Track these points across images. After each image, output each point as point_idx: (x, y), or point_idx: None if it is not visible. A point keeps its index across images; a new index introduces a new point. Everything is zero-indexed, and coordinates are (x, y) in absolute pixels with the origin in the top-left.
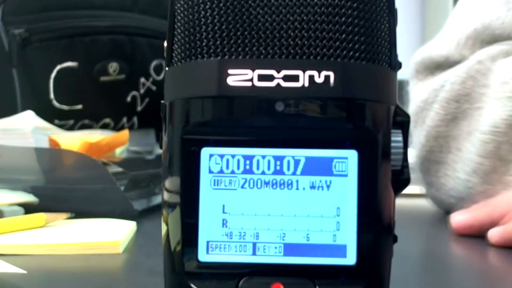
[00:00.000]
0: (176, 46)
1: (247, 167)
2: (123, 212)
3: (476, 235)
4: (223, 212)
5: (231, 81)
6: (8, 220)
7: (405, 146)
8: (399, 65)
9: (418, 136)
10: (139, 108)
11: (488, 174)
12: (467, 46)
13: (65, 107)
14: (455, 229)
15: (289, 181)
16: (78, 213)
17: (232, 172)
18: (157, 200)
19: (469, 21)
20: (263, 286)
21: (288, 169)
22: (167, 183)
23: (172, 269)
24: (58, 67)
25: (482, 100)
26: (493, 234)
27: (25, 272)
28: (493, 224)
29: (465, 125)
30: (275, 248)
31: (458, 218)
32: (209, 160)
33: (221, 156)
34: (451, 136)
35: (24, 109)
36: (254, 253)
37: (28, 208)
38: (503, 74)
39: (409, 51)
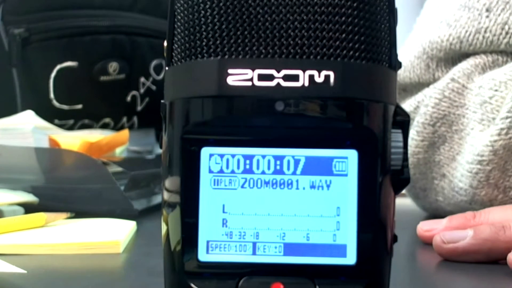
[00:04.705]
0: (176, 45)
1: (247, 166)
2: (123, 212)
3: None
4: (223, 211)
5: (231, 80)
6: (8, 220)
7: (405, 145)
8: (399, 65)
9: None
10: (139, 108)
11: (486, 202)
12: (439, 67)
13: (65, 106)
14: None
15: (289, 181)
16: (78, 213)
17: (232, 171)
18: (157, 200)
19: (434, 36)
20: (263, 285)
21: (288, 168)
22: (167, 182)
23: (172, 269)
24: (58, 66)
25: (461, 122)
26: None
27: (25, 272)
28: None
29: (446, 149)
30: (275, 247)
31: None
32: (209, 159)
33: (221, 155)
34: (433, 162)
35: (24, 109)
36: (254, 253)
37: (28, 208)
38: (481, 92)
39: None
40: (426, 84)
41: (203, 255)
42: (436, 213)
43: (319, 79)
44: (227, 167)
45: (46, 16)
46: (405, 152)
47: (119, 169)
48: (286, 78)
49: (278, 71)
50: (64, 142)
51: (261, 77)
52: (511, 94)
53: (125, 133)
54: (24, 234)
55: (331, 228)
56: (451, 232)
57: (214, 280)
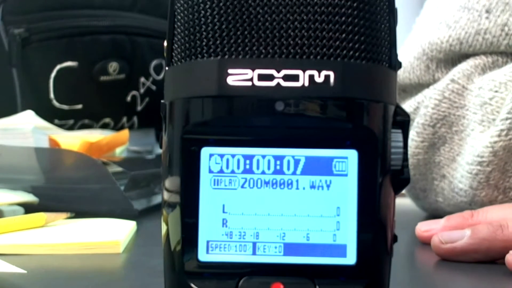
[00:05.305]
0: (176, 45)
1: (247, 166)
2: (123, 212)
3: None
4: (223, 211)
5: (231, 80)
6: (8, 220)
7: (405, 145)
8: (399, 65)
9: None
10: (139, 108)
11: (486, 203)
12: (439, 68)
13: (65, 106)
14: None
15: (289, 181)
16: (78, 213)
17: (232, 171)
18: (157, 200)
19: (434, 37)
20: (263, 286)
21: (288, 168)
22: (167, 182)
23: (172, 269)
24: (58, 66)
25: (461, 123)
26: None
27: (25, 272)
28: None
29: (446, 150)
30: (275, 247)
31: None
32: (209, 159)
33: (221, 155)
34: (433, 163)
35: (24, 109)
36: (254, 253)
37: (28, 208)
38: (481, 94)
39: None
40: (426, 85)
41: (203, 255)
42: (436, 214)
43: (319, 79)
44: (227, 167)
45: (46, 16)
46: (405, 152)
47: (119, 169)
48: (286, 78)
49: (278, 71)
50: (64, 142)
51: (261, 77)
52: (511, 95)
53: (125, 133)
54: (24, 234)
55: (331, 228)
56: (449, 232)
57: (214, 280)
